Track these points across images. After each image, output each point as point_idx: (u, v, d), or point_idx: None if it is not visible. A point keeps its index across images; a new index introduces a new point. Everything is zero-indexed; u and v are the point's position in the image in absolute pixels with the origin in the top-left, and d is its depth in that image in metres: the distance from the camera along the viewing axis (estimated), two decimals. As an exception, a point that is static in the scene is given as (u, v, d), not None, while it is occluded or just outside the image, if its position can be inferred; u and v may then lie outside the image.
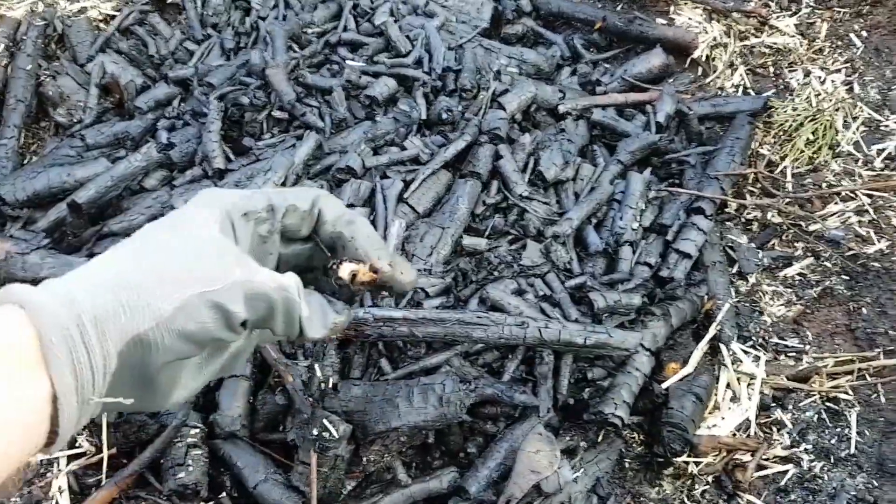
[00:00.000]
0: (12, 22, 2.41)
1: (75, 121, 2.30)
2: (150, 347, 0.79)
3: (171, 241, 0.85)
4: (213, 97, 2.10)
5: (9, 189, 2.01)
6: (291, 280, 0.90)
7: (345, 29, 2.47)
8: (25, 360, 0.72)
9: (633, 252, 1.97)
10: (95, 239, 2.00)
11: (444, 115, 2.11)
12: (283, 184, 1.93)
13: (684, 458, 1.70)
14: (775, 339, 1.90)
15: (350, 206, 1.94)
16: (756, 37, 2.37)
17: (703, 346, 1.87)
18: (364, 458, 1.66)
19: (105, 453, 1.68)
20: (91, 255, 1.93)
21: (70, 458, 1.69)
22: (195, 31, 2.51)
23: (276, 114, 2.12)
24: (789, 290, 1.97)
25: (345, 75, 2.18)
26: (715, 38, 2.39)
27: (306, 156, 2.01)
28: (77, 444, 1.70)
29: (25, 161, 2.28)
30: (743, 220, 2.12)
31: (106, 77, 2.34)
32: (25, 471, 0.95)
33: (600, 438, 1.76)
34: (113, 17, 2.53)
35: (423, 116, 2.13)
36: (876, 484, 1.57)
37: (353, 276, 0.96)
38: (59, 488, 1.63)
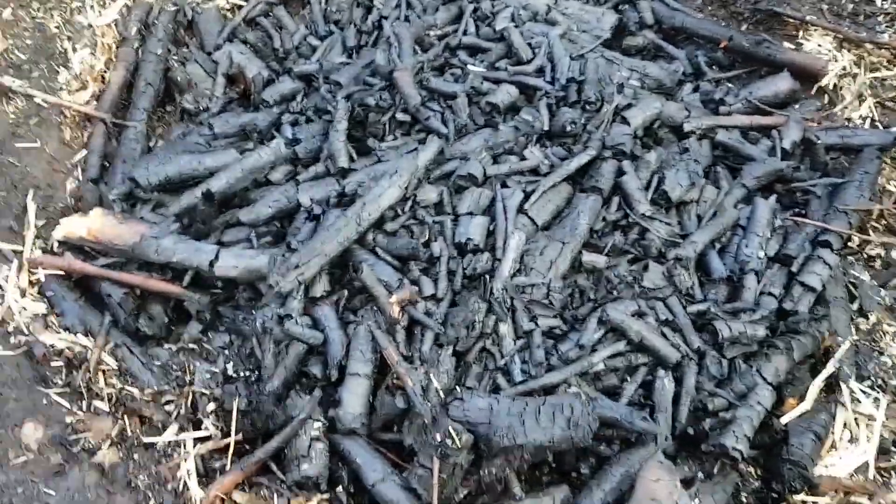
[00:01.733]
0: (145, 6, 2.47)
1: (201, 108, 2.36)
2: None
3: None
4: (341, 97, 2.13)
5: (142, 173, 2.07)
6: None
7: (465, 33, 2.47)
8: None
9: (758, 282, 1.94)
10: (224, 227, 2.05)
11: (568, 128, 2.10)
12: (406, 187, 1.95)
13: (802, 496, 1.69)
14: (895, 382, 1.86)
15: (469, 214, 1.96)
16: (888, 69, 2.30)
17: (819, 381, 1.84)
18: (485, 470, 1.67)
19: (232, 439, 1.73)
20: (220, 243, 1.99)
21: (197, 441, 1.75)
22: (318, 26, 2.54)
23: (400, 116, 2.13)
24: (912, 332, 1.93)
25: (468, 81, 2.19)
26: (844, 68, 2.33)
27: (429, 160, 2.02)
28: (204, 427, 1.76)
29: (151, 143, 2.35)
30: (865, 255, 2.08)
31: (233, 67, 2.39)
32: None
33: (716, 470, 1.75)
34: (240, 7, 2.58)
35: (546, 127, 2.13)
36: None
37: None
38: (188, 471, 1.69)
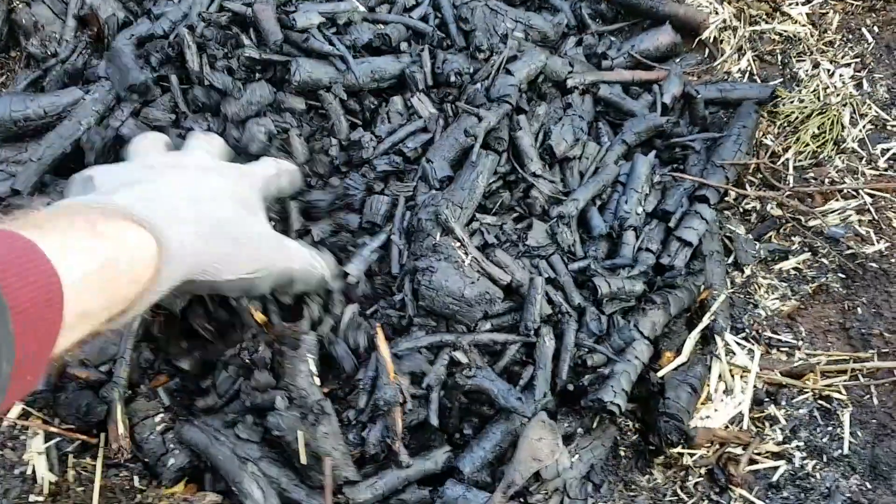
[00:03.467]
0: (-19, -62, 2.20)
1: (49, 53, 2.13)
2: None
3: (239, 231, 1.25)
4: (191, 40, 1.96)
5: None
6: (317, 263, 1.50)
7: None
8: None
9: (637, 238, 1.94)
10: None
11: (454, 79, 2.02)
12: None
13: (679, 449, 1.71)
14: (768, 333, 1.91)
15: None
16: (767, 22, 2.33)
17: (695, 334, 1.87)
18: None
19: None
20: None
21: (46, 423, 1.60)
22: (182, -37, 2.33)
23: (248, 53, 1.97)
24: (784, 283, 1.98)
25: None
26: (725, 21, 2.33)
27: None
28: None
29: (-7, 93, 2.12)
30: (741, 209, 2.11)
31: (84, 8, 2.17)
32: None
33: (595, 424, 1.75)
34: (92, -60, 2.33)
35: (430, 75, 2.04)
36: (869, 486, 1.60)
37: None
38: (36, 453, 1.54)
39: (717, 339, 1.88)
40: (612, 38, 2.42)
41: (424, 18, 2.18)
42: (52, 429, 1.58)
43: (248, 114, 1.87)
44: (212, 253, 1.13)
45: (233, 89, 1.89)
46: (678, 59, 2.37)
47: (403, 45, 2.12)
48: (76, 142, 1.90)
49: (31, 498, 1.50)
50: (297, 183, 1.67)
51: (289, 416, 1.52)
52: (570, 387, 1.73)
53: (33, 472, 1.53)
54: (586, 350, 1.77)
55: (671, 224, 1.98)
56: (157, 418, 1.62)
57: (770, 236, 2.05)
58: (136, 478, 1.60)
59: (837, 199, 2.02)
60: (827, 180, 2.05)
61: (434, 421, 1.64)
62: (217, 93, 1.92)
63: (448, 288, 1.63)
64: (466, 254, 1.69)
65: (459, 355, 1.68)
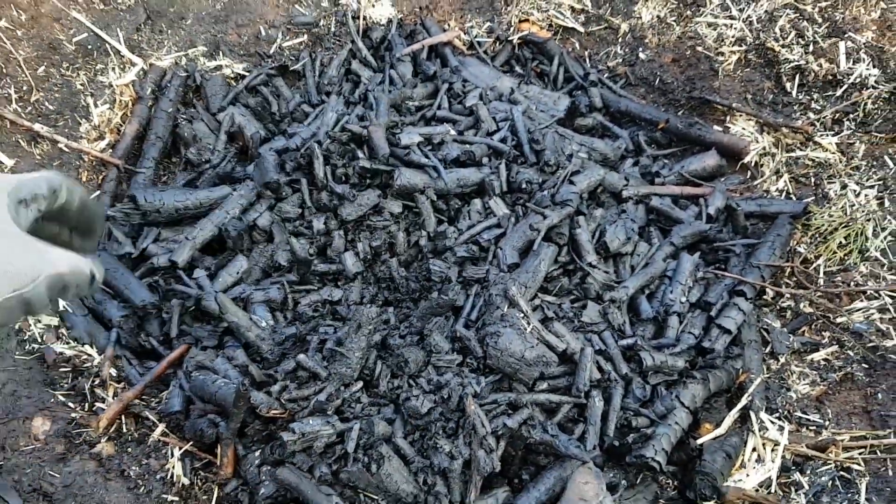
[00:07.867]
0: (159, 70, 2.82)
1: (203, 160, 2.68)
2: None
3: None
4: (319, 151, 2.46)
5: (140, 193, 2.37)
6: (83, 263, 1.00)
7: (439, 107, 2.84)
8: None
9: (680, 322, 2.25)
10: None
11: (525, 186, 2.44)
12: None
13: (712, 504, 1.94)
14: (799, 413, 2.15)
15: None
16: (801, 150, 2.69)
17: (734, 412, 2.12)
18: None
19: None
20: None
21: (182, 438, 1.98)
22: (312, 96, 2.90)
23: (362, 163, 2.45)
24: (814, 372, 2.22)
25: (444, 141, 2.54)
26: (764, 148, 2.71)
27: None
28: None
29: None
30: (778, 307, 2.39)
31: (234, 126, 2.73)
32: None
33: (638, 480, 2.00)
34: (243, 76, 2.94)
35: (505, 183, 2.47)
36: (881, 544, 1.79)
37: None
38: (174, 463, 1.92)
39: (753, 416, 2.13)
40: (665, 161, 2.82)
41: (503, 140, 2.64)
42: (187, 446, 1.96)
43: (359, 214, 2.32)
44: None
45: (349, 195, 2.36)
46: (723, 179, 2.73)
47: (485, 160, 2.57)
48: (221, 228, 2.38)
49: (168, 497, 1.86)
50: (83, 290, 1.12)
51: (355, 469, 1.84)
52: (617, 443, 2.01)
53: (171, 476, 1.89)
54: (632, 413, 2.05)
55: (712, 314, 2.28)
56: (257, 454, 1.96)
57: (803, 330, 2.32)
58: (245, 496, 1.93)
59: (861, 300, 2.29)
60: (852, 283, 2.32)
61: (497, 467, 1.93)
62: (337, 197, 2.38)
63: (511, 349, 1.97)
64: (528, 323, 2.04)
65: (526, 412, 1.99)
